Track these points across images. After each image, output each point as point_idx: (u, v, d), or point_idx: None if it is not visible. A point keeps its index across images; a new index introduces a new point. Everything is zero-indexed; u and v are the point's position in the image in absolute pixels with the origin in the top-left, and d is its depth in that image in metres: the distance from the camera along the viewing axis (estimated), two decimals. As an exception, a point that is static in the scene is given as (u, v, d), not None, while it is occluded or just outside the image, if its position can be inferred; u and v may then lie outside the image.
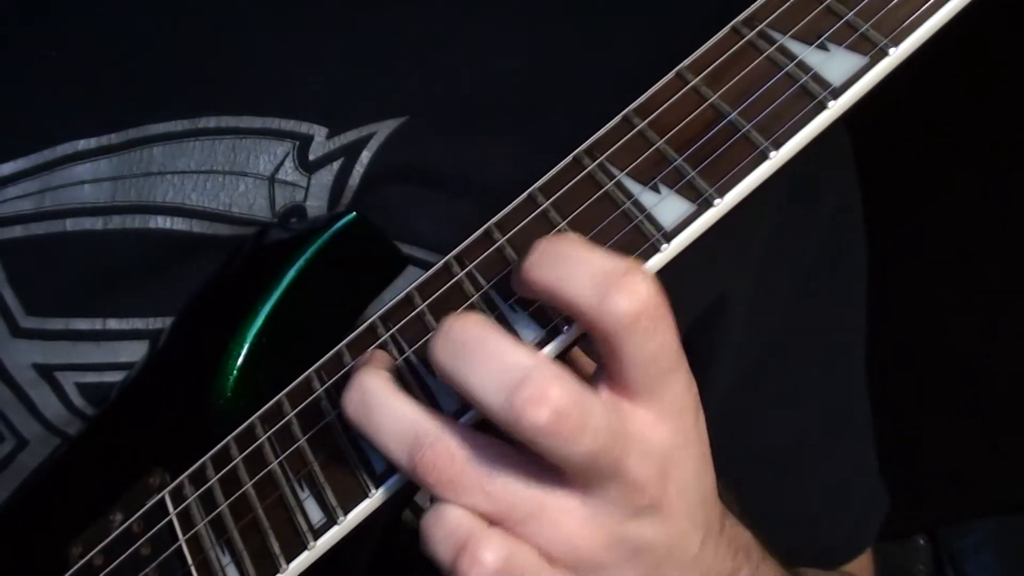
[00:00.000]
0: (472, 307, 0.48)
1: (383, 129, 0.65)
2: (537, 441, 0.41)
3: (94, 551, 0.54)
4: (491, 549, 0.43)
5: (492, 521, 0.44)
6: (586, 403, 0.42)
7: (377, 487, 0.47)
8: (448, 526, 0.44)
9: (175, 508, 0.52)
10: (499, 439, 0.44)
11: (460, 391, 0.43)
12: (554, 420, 0.41)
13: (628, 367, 0.43)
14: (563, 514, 0.44)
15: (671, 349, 0.44)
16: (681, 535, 0.47)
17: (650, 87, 0.50)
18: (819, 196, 0.73)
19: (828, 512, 0.80)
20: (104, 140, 0.65)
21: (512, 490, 0.44)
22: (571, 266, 0.42)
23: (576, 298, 0.42)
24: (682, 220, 0.46)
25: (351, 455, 0.48)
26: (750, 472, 0.77)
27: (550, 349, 0.46)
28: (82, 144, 0.65)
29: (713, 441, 0.74)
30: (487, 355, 0.42)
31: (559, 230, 0.48)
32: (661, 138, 0.48)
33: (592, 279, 0.42)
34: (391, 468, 0.47)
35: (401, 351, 0.49)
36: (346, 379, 0.49)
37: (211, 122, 0.65)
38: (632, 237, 0.47)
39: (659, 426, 0.45)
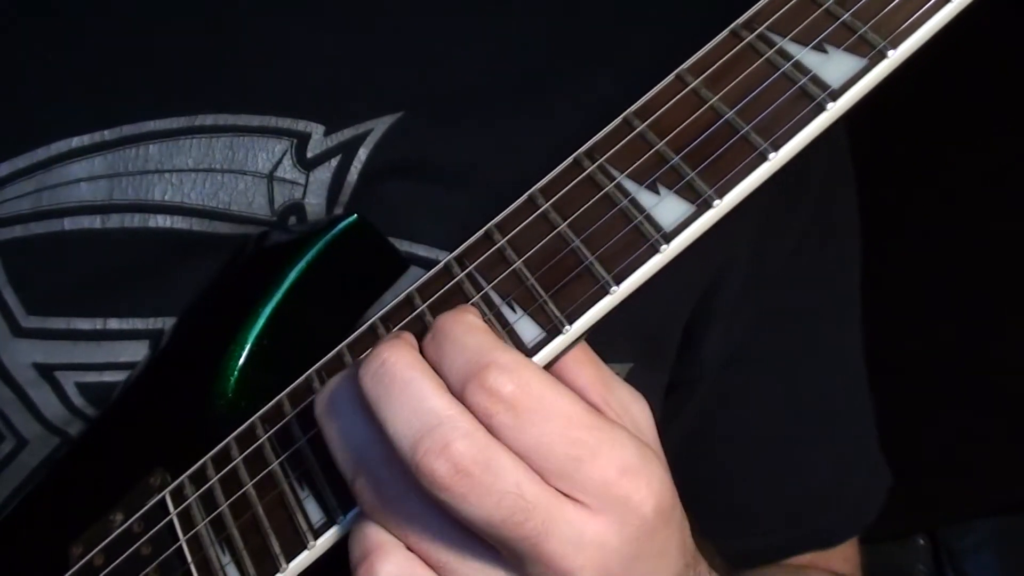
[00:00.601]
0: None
1: (380, 126, 0.65)
2: (433, 494, 0.41)
3: (94, 551, 0.54)
4: (391, 563, 0.44)
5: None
6: (496, 466, 0.41)
7: (378, 487, 0.48)
8: (363, 531, 0.45)
9: (175, 508, 0.53)
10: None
11: (374, 416, 0.43)
12: (450, 475, 0.40)
13: (526, 450, 0.42)
14: None
15: (564, 435, 0.42)
16: None
17: (647, 81, 0.50)
18: (809, 176, 0.73)
19: (829, 489, 0.80)
20: (97, 136, 0.65)
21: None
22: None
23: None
24: (681, 221, 0.46)
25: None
26: (745, 451, 0.77)
27: (551, 348, 0.47)
28: (75, 141, 0.65)
29: (707, 421, 0.75)
30: (408, 395, 0.42)
31: (559, 231, 0.48)
32: (661, 140, 0.48)
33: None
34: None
35: None
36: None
37: (208, 120, 0.65)
38: (632, 238, 0.47)
39: (598, 518, 0.43)
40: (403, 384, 0.43)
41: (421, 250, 0.64)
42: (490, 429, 0.42)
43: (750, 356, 0.74)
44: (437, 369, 0.44)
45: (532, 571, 0.43)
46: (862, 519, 0.82)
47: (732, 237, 0.69)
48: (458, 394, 0.43)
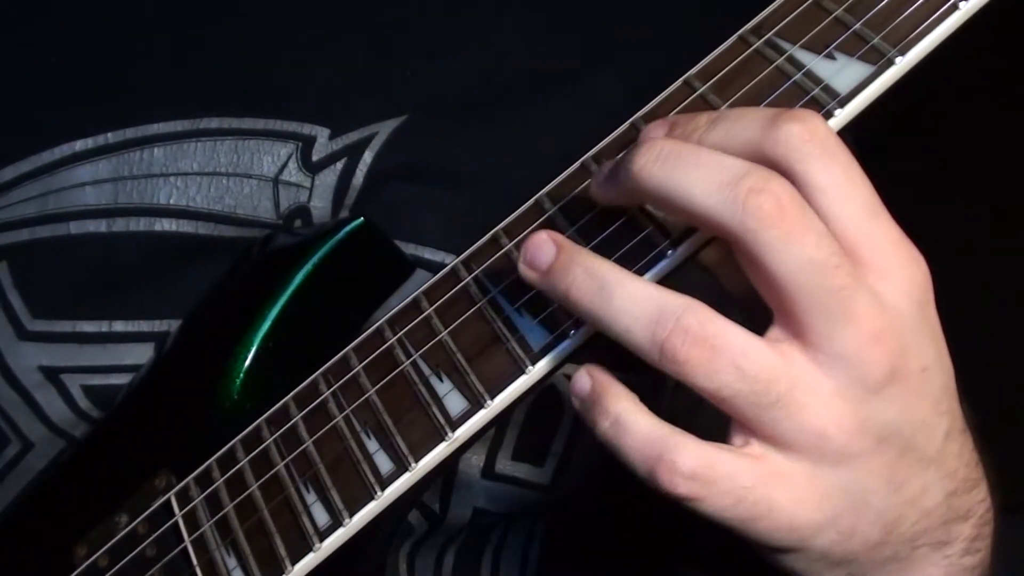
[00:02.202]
0: (479, 312, 0.48)
1: (384, 129, 0.65)
2: (758, 234, 0.39)
3: (99, 552, 0.54)
4: (687, 455, 0.41)
5: (735, 412, 0.41)
6: (810, 209, 0.40)
7: (383, 489, 0.48)
8: (639, 435, 0.42)
9: (181, 510, 0.53)
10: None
11: (674, 201, 0.41)
12: (778, 209, 0.39)
13: (832, 183, 0.41)
14: (810, 396, 0.41)
15: (864, 183, 0.41)
16: (924, 423, 0.43)
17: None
18: None
19: None
20: (101, 140, 0.65)
21: (764, 366, 0.40)
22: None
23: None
24: (687, 227, 0.46)
25: (358, 457, 0.49)
26: None
27: (557, 353, 0.47)
28: (79, 145, 0.65)
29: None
30: (704, 159, 0.41)
31: (566, 236, 0.48)
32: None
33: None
34: (397, 471, 0.48)
35: (408, 354, 0.49)
36: (353, 382, 0.50)
37: (212, 123, 0.65)
38: (641, 243, 0.46)
39: (889, 280, 0.41)
40: (694, 151, 0.41)
41: (427, 253, 0.64)
42: (799, 164, 0.41)
43: None
44: (724, 141, 0.42)
45: (843, 352, 0.40)
46: None
47: None
48: (757, 141, 0.41)
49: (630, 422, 0.42)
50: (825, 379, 0.41)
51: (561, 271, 0.43)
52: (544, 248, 0.44)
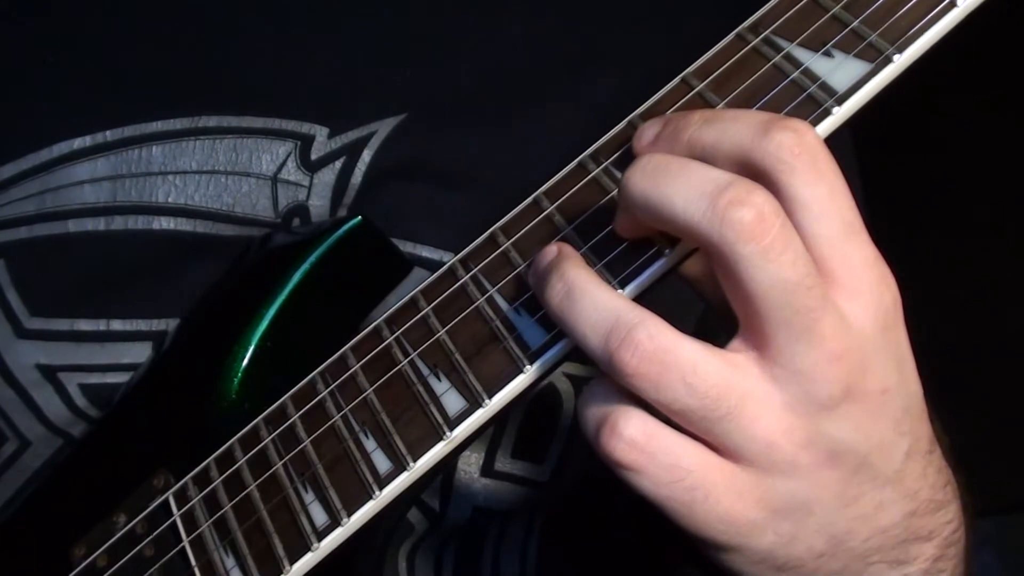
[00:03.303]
0: (477, 311, 0.48)
1: (383, 128, 0.65)
2: (736, 246, 0.39)
3: (98, 552, 0.54)
4: (632, 423, 0.42)
5: (686, 424, 0.42)
6: (790, 225, 0.40)
7: (381, 489, 0.48)
8: (595, 398, 0.43)
9: (179, 509, 0.53)
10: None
11: (657, 210, 0.41)
12: (758, 221, 0.39)
13: (815, 199, 0.41)
14: (761, 408, 0.41)
15: (848, 199, 0.41)
16: (882, 442, 0.43)
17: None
18: None
19: None
20: (99, 138, 0.65)
21: (715, 381, 0.41)
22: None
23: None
24: None
25: (356, 457, 0.49)
26: None
27: (555, 352, 0.46)
28: (77, 143, 0.65)
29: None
30: (689, 171, 0.41)
31: (563, 236, 0.48)
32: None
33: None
34: (395, 470, 0.48)
35: (406, 353, 0.49)
36: (351, 381, 0.50)
37: (211, 121, 0.65)
38: (638, 243, 0.47)
39: (857, 300, 0.42)
40: (681, 164, 0.41)
41: (425, 251, 0.64)
42: (784, 176, 0.41)
43: None
44: (716, 142, 0.43)
45: (800, 368, 0.41)
46: None
47: None
48: (748, 146, 0.41)
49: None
50: (777, 393, 0.41)
51: (544, 275, 0.44)
52: (545, 255, 0.45)
